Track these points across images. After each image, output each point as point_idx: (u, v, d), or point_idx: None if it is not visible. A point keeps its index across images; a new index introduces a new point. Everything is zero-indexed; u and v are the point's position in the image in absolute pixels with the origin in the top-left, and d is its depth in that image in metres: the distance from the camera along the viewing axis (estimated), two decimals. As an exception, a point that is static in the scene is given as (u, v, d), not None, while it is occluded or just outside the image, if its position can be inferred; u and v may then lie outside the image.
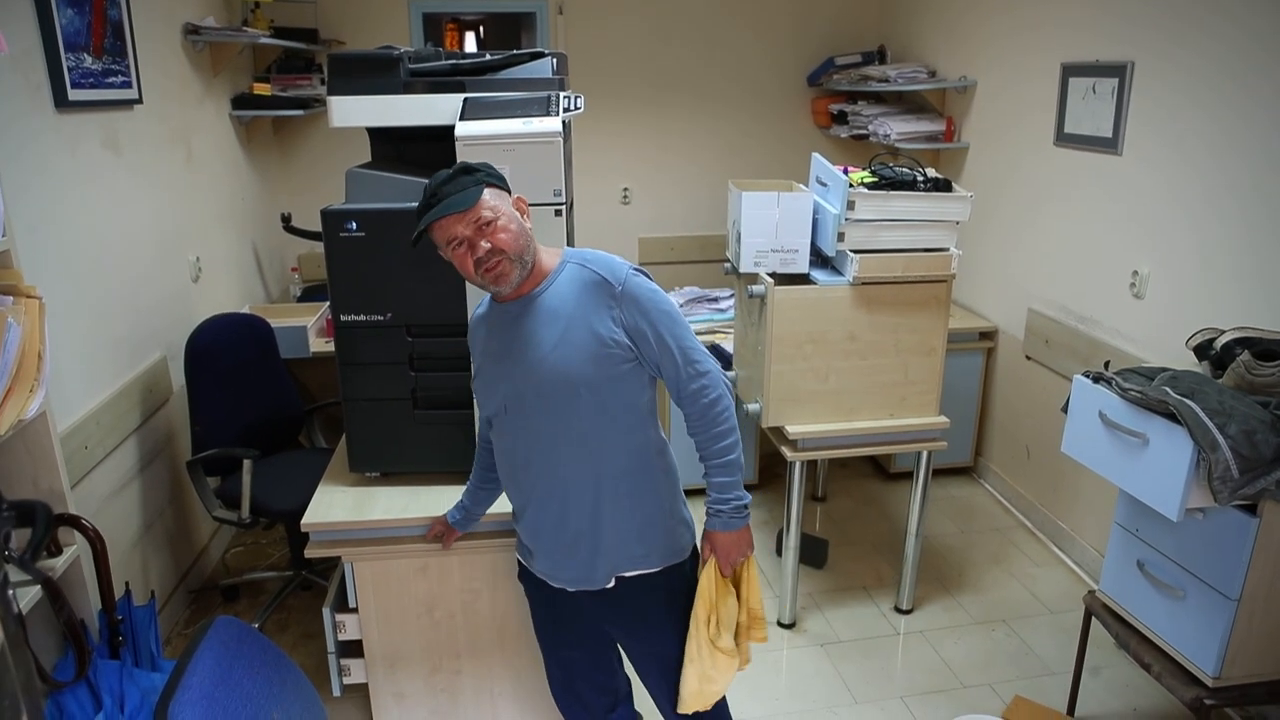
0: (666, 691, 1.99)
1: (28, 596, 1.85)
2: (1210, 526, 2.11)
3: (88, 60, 2.60)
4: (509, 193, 1.76)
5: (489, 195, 1.69)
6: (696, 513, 1.94)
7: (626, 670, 2.20)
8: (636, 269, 1.79)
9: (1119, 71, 3.05)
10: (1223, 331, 2.31)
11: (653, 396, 1.86)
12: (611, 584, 1.87)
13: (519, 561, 2.04)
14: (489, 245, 1.67)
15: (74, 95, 2.51)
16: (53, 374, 1.99)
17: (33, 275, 2.00)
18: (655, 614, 1.93)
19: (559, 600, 1.95)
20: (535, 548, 1.91)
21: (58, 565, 1.98)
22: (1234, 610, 2.06)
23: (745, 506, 1.84)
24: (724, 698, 2.08)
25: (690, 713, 1.97)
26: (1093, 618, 2.52)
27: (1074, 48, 3.32)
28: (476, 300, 2.21)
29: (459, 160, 2.07)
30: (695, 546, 1.97)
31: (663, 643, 1.94)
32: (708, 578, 1.87)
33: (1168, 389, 2.07)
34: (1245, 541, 2.02)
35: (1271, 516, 2.00)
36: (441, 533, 2.17)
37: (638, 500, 1.84)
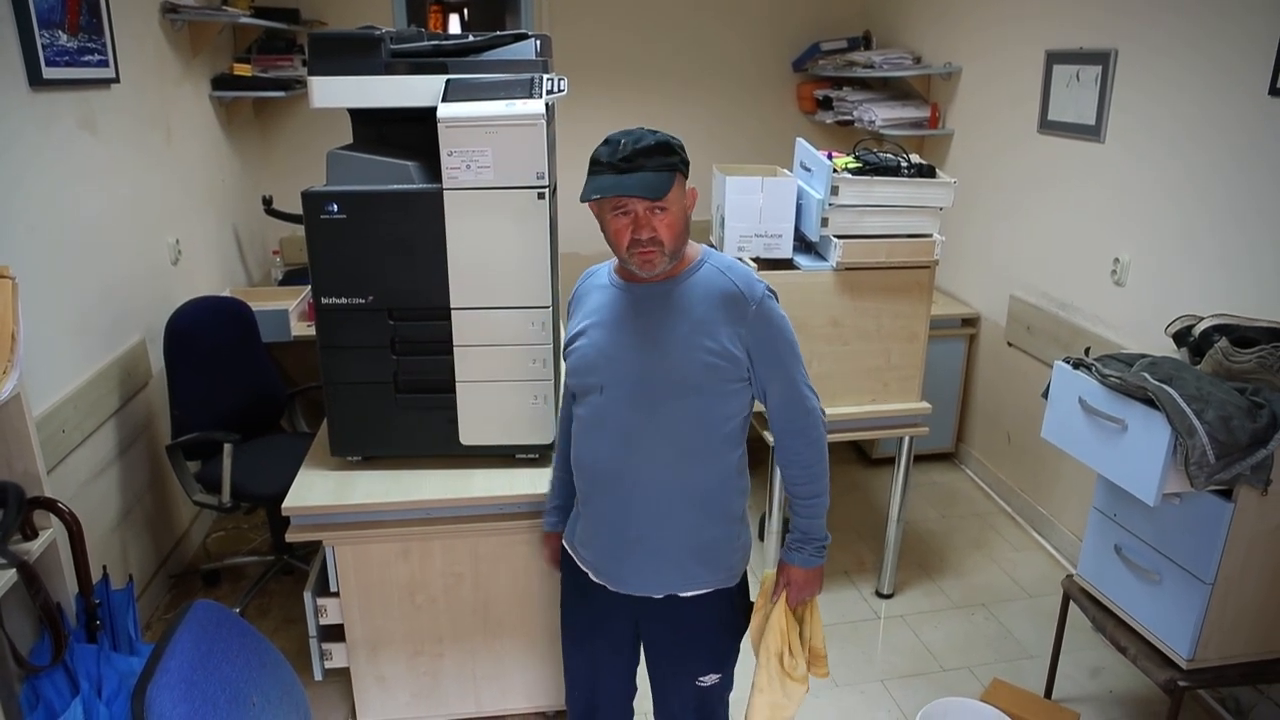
0: (684, 706, 1.92)
1: (2, 580, 1.83)
2: (1186, 511, 2.13)
3: (63, 38, 2.55)
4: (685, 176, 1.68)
5: (676, 184, 1.62)
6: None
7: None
8: (770, 290, 1.74)
9: (1102, 59, 3.06)
10: (1201, 318, 2.33)
11: (749, 416, 1.81)
12: (660, 596, 1.81)
13: (563, 546, 1.96)
14: (653, 234, 1.62)
15: (49, 74, 2.47)
16: (28, 356, 1.97)
17: (4, 255, 1.97)
18: (697, 634, 1.85)
19: (600, 597, 1.86)
20: (591, 539, 1.84)
21: (33, 549, 1.96)
22: (1208, 594, 2.09)
23: (824, 546, 1.84)
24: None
25: None
26: (1070, 602, 2.55)
27: (1058, 35, 3.32)
28: (461, 285, 2.22)
29: (439, 139, 2.08)
30: (745, 572, 1.92)
31: (696, 662, 1.87)
32: (780, 611, 1.87)
33: (1146, 375, 2.08)
34: (1220, 526, 2.05)
35: (1246, 501, 2.02)
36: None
37: (708, 519, 1.78)
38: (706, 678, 1.88)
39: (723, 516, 1.80)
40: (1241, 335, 2.18)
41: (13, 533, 1.90)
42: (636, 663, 2.00)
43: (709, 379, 1.69)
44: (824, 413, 1.81)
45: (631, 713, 2.09)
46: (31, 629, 2.03)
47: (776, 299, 1.75)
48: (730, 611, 1.88)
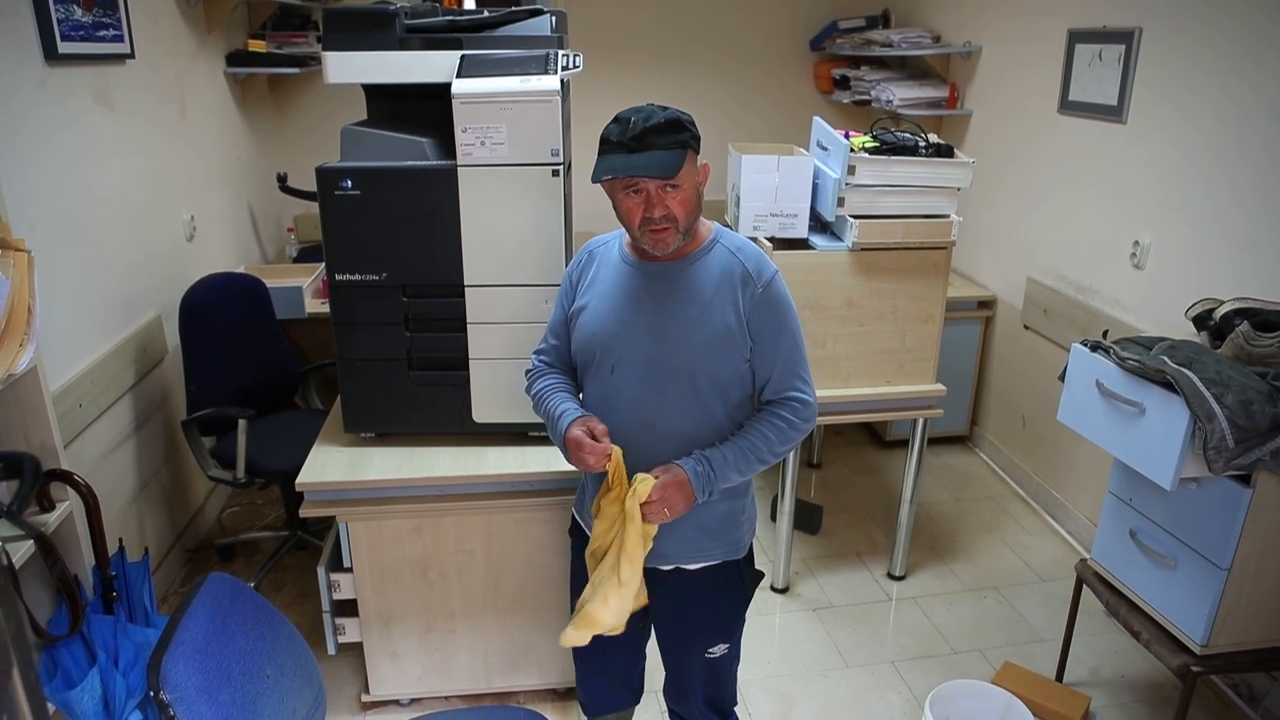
0: (694, 679, 1.93)
1: (20, 551, 1.85)
2: (1203, 496, 2.12)
3: (78, 12, 2.55)
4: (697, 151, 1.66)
5: (688, 161, 1.61)
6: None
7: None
8: (777, 271, 1.74)
9: (1126, 38, 3.01)
10: (1222, 302, 2.30)
11: (754, 392, 1.79)
12: (667, 568, 1.82)
13: (573, 515, 1.97)
14: (666, 211, 1.61)
15: (64, 48, 2.47)
16: (45, 331, 1.98)
17: (21, 229, 1.98)
18: (705, 605, 1.86)
19: None
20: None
21: (50, 521, 1.98)
22: (1224, 579, 2.07)
23: (709, 494, 1.71)
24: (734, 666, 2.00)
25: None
26: (1084, 585, 2.54)
27: (1081, 13, 3.27)
28: (475, 262, 2.21)
29: (454, 115, 2.06)
30: (752, 544, 1.91)
31: (705, 633, 1.88)
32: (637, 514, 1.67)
33: (1165, 358, 2.06)
34: (1237, 511, 2.03)
35: (1265, 487, 2.00)
36: (592, 431, 1.71)
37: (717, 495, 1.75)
38: (716, 649, 1.90)
39: (730, 492, 1.79)
40: (1263, 319, 2.15)
41: (30, 504, 1.92)
42: (646, 636, 2.01)
43: (718, 360, 1.70)
44: (815, 407, 1.77)
45: (641, 686, 2.10)
46: (49, 599, 2.05)
47: (784, 283, 1.75)
48: (738, 581, 1.89)
